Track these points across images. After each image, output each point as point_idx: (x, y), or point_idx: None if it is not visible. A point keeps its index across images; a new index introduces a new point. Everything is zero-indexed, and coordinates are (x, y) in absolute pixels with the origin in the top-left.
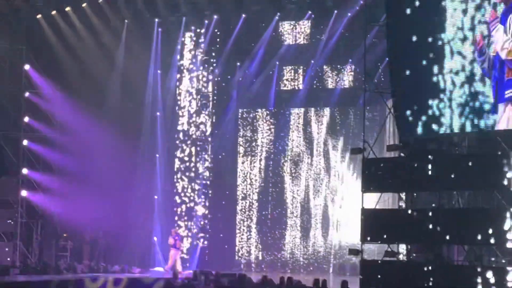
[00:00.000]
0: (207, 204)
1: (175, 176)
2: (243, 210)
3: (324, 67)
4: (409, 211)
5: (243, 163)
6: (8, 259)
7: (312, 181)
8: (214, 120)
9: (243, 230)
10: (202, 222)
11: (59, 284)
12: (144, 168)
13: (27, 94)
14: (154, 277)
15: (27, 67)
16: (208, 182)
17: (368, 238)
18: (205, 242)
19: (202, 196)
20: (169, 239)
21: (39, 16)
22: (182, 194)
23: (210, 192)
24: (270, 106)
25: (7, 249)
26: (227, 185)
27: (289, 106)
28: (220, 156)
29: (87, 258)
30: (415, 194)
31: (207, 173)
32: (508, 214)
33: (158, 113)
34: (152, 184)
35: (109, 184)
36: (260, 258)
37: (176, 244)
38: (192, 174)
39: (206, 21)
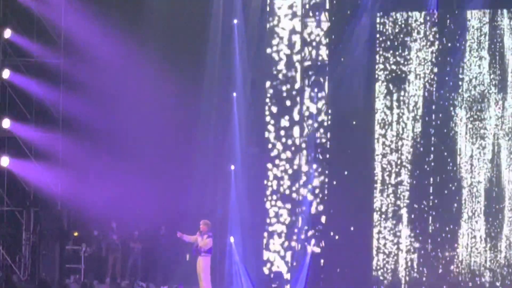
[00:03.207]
0: (320, 182)
1: (265, 135)
2: (384, 195)
3: None
4: None
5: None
6: None
7: (504, 144)
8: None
9: (385, 228)
10: (314, 213)
11: None
12: (212, 122)
13: None
14: None
15: None
16: (322, 149)
17: None
18: (320, 246)
19: (313, 169)
20: (197, 238)
21: None
22: (278, 164)
23: (326, 163)
24: None
25: None
26: (354, 154)
27: None
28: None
29: (114, 274)
30: None
31: (319, 136)
32: None
33: (235, 22)
34: (227, 149)
35: (155, 153)
36: (415, 273)
37: (210, 247)
38: (294, 132)
39: None
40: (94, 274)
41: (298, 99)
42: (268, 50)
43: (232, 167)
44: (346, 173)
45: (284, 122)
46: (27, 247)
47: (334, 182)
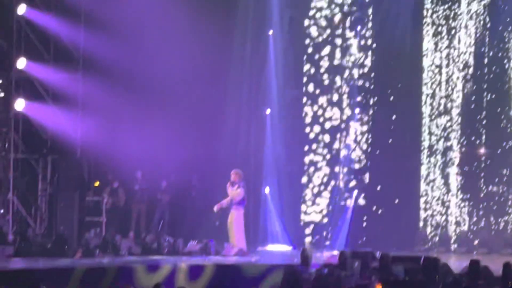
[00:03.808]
0: (366, 127)
1: (304, 69)
2: (432, 161)
3: None
4: None
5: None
6: None
7: None
8: None
9: (434, 179)
10: (357, 162)
11: (87, 273)
12: (247, 63)
13: None
14: (266, 264)
15: None
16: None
17: None
18: (363, 200)
19: (358, 110)
20: (228, 189)
21: None
22: (320, 104)
23: (371, 102)
24: None
25: None
26: (400, 117)
27: None
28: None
29: (139, 228)
30: None
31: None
32: None
33: None
34: (262, 92)
35: (184, 95)
36: (466, 228)
37: (242, 199)
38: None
39: None
40: (116, 227)
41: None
42: None
43: (268, 111)
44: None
45: (324, 100)
46: (43, 198)
47: (377, 152)
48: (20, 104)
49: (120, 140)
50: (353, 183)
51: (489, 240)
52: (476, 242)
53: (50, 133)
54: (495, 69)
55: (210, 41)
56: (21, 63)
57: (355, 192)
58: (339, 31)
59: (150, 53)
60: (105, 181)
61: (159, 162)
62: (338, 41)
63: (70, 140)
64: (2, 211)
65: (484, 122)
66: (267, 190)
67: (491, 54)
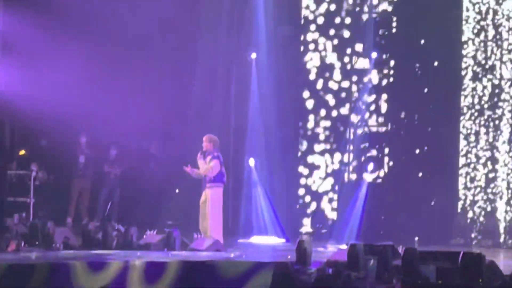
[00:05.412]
0: (385, 81)
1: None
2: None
3: None
4: None
5: None
6: None
7: None
8: None
9: (476, 148)
10: (373, 126)
11: (8, 272)
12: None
13: None
14: (249, 261)
15: None
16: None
17: None
18: (380, 177)
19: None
20: (199, 161)
21: None
22: (323, 48)
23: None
24: None
25: None
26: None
27: None
28: None
29: (79, 211)
30: None
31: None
32: None
33: None
34: (246, 31)
35: (144, 34)
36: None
37: (219, 173)
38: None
39: None
40: (48, 211)
41: None
42: None
43: (253, 56)
44: None
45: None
46: None
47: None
48: None
49: (55, 94)
50: (368, 153)
51: None
52: None
53: None
54: None
55: None
56: None
57: (371, 165)
58: None
59: None
60: (34, 148)
61: (108, 124)
62: None
63: None
64: None
65: None
66: (251, 162)
67: None
